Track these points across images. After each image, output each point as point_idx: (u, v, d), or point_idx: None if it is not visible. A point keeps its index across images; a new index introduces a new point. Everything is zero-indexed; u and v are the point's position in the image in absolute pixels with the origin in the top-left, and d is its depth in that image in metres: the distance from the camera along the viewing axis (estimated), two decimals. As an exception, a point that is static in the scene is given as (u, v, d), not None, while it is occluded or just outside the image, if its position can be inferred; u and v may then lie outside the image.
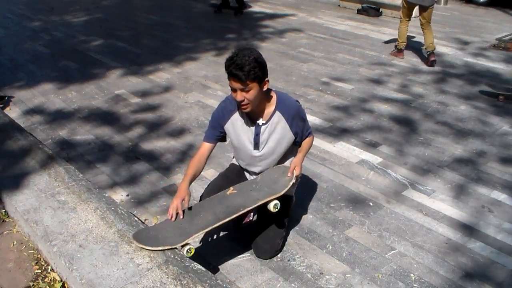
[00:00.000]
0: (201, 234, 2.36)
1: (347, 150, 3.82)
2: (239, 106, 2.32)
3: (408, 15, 5.91)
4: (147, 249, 2.17)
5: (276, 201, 2.37)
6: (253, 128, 2.42)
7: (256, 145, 2.46)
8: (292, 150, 2.60)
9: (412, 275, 2.51)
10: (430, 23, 5.74)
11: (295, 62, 6.00)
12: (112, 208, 2.53)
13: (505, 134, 4.10)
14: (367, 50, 6.52)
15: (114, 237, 2.29)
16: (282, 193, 2.37)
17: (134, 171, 3.50)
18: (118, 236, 2.28)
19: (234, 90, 2.22)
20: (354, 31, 7.60)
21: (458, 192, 3.26)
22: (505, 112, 4.53)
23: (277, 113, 2.41)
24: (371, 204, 3.13)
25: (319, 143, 3.93)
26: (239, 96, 2.21)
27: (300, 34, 7.38)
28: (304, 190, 3.27)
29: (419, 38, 7.02)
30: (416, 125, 4.27)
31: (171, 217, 2.27)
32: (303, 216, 2.99)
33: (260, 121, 2.41)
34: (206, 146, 2.50)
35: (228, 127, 2.47)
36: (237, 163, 2.75)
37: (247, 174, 2.70)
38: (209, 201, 2.43)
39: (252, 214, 2.85)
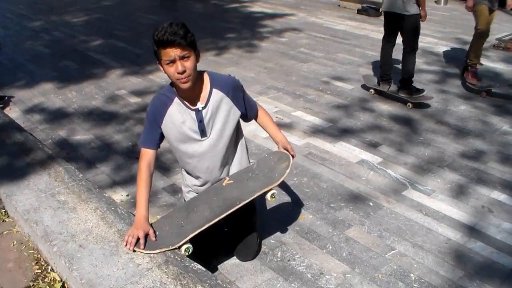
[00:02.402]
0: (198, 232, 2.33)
1: (347, 150, 3.82)
2: (177, 84, 2.14)
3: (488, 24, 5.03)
4: (146, 253, 2.16)
5: (273, 191, 2.33)
6: (194, 115, 2.24)
7: (203, 132, 2.28)
8: (238, 133, 2.46)
9: (412, 275, 2.51)
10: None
11: (295, 62, 6.00)
12: (112, 208, 2.53)
13: (505, 134, 4.10)
14: (367, 50, 6.53)
15: (114, 237, 2.28)
16: (279, 182, 2.32)
17: (134, 171, 3.50)
18: (118, 236, 2.28)
19: (172, 61, 2.05)
20: (354, 31, 7.60)
21: (458, 192, 3.26)
22: (505, 112, 4.54)
23: (214, 91, 2.25)
24: (371, 204, 3.12)
25: (319, 143, 3.93)
26: (180, 66, 2.05)
27: (300, 34, 7.38)
28: (304, 190, 3.27)
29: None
30: (416, 125, 4.27)
31: (127, 245, 2.14)
32: (303, 216, 2.99)
33: (199, 106, 2.24)
34: (150, 153, 2.31)
35: (166, 124, 2.27)
36: (191, 188, 2.54)
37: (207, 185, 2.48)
38: (205, 194, 2.39)
39: None
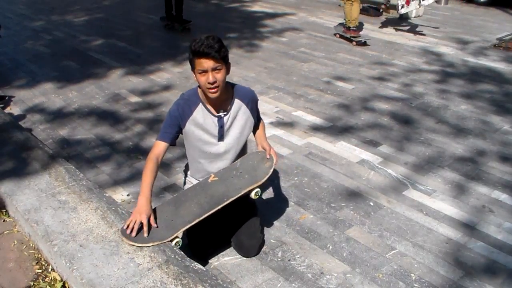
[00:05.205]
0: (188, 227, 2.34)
1: (348, 150, 3.82)
2: (206, 93, 2.29)
3: None
4: (137, 246, 2.18)
5: (257, 189, 2.43)
6: (216, 121, 2.41)
7: (221, 137, 2.45)
8: (245, 144, 2.61)
9: (412, 275, 2.51)
10: None
11: (296, 61, 6.00)
12: (113, 208, 2.53)
13: (506, 134, 4.10)
14: (367, 50, 6.52)
15: (114, 237, 2.29)
16: (263, 181, 2.42)
17: (135, 170, 3.50)
18: (118, 236, 2.28)
19: (204, 71, 2.22)
20: (355, 30, 7.58)
21: (459, 192, 3.26)
22: (505, 112, 4.53)
23: (236, 100, 2.44)
24: (372, 203, 3.12)
25: (320, 143, 3.93)
26: (211, 77, 2.21)
27: (301, 34, 7.38)
28: (304, 190, 3.27)
29: (418, 36, 7.03)
30: (416, 125, 4.27)
31: (129, 229, 2.19)
32: (304, 216, 2.99)
33: (222, 113, 2.41)
34: (162, 145, 2.38)
35: (188, 127, 2.40)
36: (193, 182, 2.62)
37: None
38: (192, 189, 2.45)
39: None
